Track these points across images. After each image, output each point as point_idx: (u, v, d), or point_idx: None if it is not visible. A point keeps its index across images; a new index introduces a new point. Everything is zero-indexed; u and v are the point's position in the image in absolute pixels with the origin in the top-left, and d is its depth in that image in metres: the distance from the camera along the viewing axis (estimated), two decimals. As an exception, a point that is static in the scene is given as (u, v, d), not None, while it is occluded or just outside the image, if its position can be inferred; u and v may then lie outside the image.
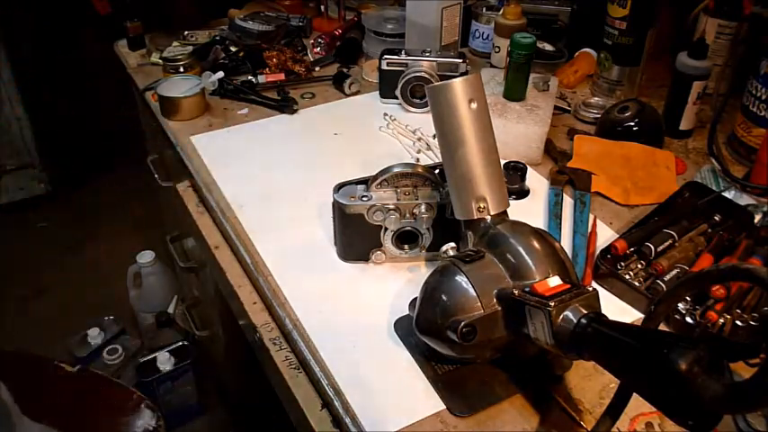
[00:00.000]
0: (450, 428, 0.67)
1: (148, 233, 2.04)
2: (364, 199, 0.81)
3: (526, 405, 0.69)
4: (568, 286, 0.62)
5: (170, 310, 1.73)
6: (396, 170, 0.82)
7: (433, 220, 0.82)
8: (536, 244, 0.67)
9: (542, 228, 0.78)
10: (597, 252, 0.86)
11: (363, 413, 0.68)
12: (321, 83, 1.30)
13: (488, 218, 0.72)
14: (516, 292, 0.63)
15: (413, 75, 1.16)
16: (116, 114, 1.86)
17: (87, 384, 1.17)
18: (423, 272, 0.86)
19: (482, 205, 0.72)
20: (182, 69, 1.24)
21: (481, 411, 0.69)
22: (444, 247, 0.73)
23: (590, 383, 0.71)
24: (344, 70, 1.32)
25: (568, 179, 1.02)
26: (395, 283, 0.84)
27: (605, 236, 0.92)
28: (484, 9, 1.39)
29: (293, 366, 0.78)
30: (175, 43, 1.39)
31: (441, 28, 1.27)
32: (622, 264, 0.84)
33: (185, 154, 1.11)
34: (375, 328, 0.78)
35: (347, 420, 0.68)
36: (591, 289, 0.61)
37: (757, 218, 0.90)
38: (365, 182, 0.83)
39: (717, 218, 0.90)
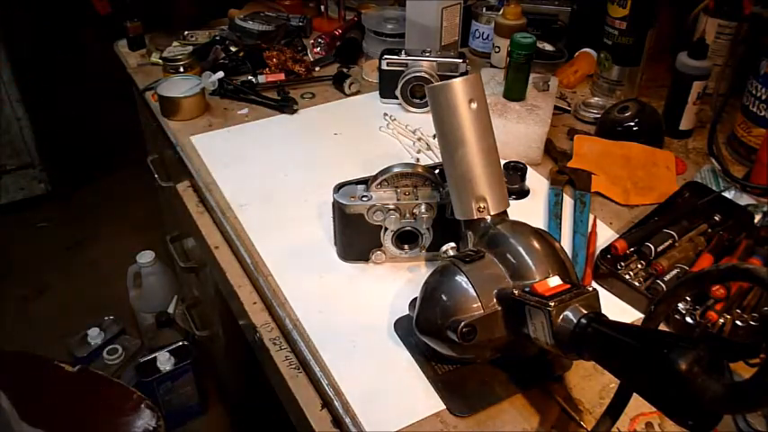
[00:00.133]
0: (450, 428, 0.67)
1: (148, 233, 2.04)
2: (364, 199, 0.81)
3: (526, 405, 0.69)
4: (568, 286, 0.62)
5: (170, 310, 1.73)
6: (396, 170, 0.82)
7: (433, 220, 0.82)
8: (536, 244, 0.67)
9: (542, 228, 0.78)
10: (597, 252, 0.86)
11: (363, 413, 0.68)
12: (321, 83, 1.30)
13: (488, 218, 0.72)
14: (516, 292, 0.63)
15: (413, 75, 1.16)
16: (116, 114, 1.86)
17: (87, 384, 1.17)
18: (423, 272, 0.86)
19: (482, 205, 0.72)
20: (182, 69, 1.24)
21: (481, 411, 0.69)
22: (444, 247, 0.73)
23: (590, 383, 0.71)
24: (344, 70, 1.32)
25: (568, 179, 1.02)
26: (395, 283, 0.84)
27: (605, 236, 0.92)
28: (484, 9, 1.39)
29: (293, 366, 0.78)
30: (175, 43, 1.39)
31: (441, 28, 1.27)
32: (622, 264, 0.84)
33: (185, 154, 1.11)
34: (375, 328, 0.78)
35: (347, 420, 0.68)
36: (591, 289, 0.61)
37: (757, 218, 0.90)
38: (365, 182, 0.83)
39: (717, 218, 0.90)
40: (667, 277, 0.81)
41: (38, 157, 2.32)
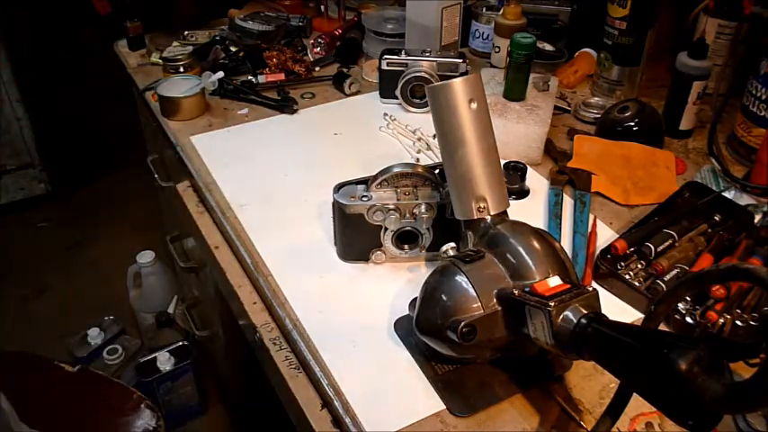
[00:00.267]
0: (450, 428, 0.67)
1: (148, 233, 2.04)
2: (364, 199, 0.81)
3: (526, 405, 0.69)
4: (568, 286, 0.62)
5: (170, 310, 1.73)
6: (396, 170, 0.82)
7: (433, 220, 0.82)
8: (536, 244, 0.67)
9: (542, 228, 0.78)
10: (597, 252, 0.86)
11: (363, 413, 0.68)
12: (321, 83, 1.30)
13: (488, 218, 0.72)
14: (516, 292, 0.63)
15: (413, 75, 1.16)
16: (116, 114, 1.86)
17: (87, 384, 1.17)
18: (423, 272, 0.86)
19: (482, 205, 0.72)
20: (182, 69, 1.24)
21: (481, 411, 0.69)
22: (444, 247, 0.73)
23: (590, 383, 0.71)
24: (344, 70, 1.32)
25: (568, 179, 1.02)
26: (395, 283, 0.84)
27: (605, 236, 0.92)
28: (484, 9, 1.39)
29: (293, 366, 0.78)
30: (175, 43, 1.39)
31: (441, 28, 1.27)
32: (622, 264, 0.84)
33: (185, 154, 1.11)
34: (375, 328, 0.78)
35: (347, 420, 0.68)
36: (591, 289, 0.61)
37: (757, 218, 0.90)
38: (365, 182, 0.83)
39: (717, 218, 0.90)
40: (667, 277, 0.81)
41: (38, 157, 2.32)
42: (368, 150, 1.10)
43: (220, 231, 0.99)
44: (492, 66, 1.32)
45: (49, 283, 2.13)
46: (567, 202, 0.98)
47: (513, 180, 0.98)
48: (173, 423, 1.66)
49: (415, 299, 0.70)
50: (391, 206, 0.81)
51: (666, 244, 0.85)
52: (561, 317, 0.58)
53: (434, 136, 1.07)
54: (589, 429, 0.66)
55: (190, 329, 1.56)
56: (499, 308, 0.64)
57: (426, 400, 0.70)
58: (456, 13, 1.28)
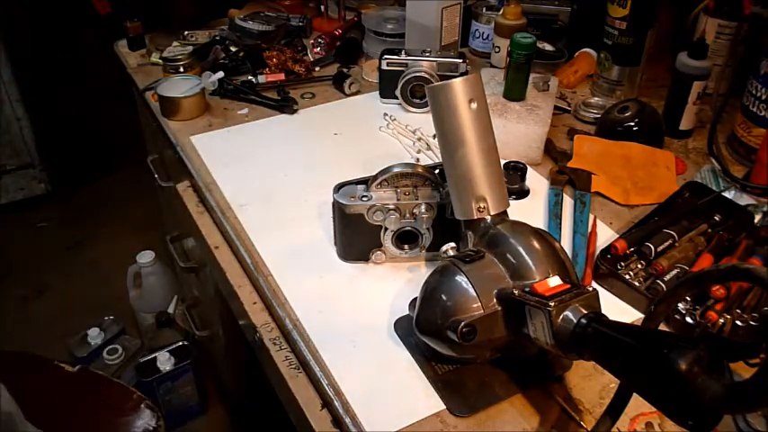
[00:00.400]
0: (450, 428, 0.67)
1: (148, 233, 2.04)
2: (364, 199, 0.81)
3: (526, 405, 0.69)
4: (568, 286, 0.62)
5: (170, 310, 1.73)
6: (396, 170, 0.82)
7: (433, 220, 0.82)
8: (536, 244, 0.67)
9: (542, 228, 0.78)
10: (597, 252, 0.86)
11: (363, 413, 0.68)
12: (321, 83, 1.30)
13: (488, 218, 0.72)
14: (516, 292, 0.63)
15: (413, 75, 1.16)
16: (116, 114, 1.86)
17: (87, 384, 1.17)
18: (423, 272, 0.86)
19: (482, 205, 0.72)
20: (182, 69, 1.24)
21: (481, 411, 0.69)
22: (444, 247, 0.73)
23: (590, 383, 0.71)
24: (344, 70, 1.32)
25: (568, 179, 1.02)
26: (395, 283, 0.84)
27: (605, 236, 0.92)
28: (484, 9, 1.39)
29: (293, 366, 0.78)
30: (175, 43, 1.39)
31: (441, 28, 1.27)
32: (622, 264, 0.84)
33: (185, 154, 1.11)
34: (375, 328, 0.78)
35: (347, 420, 0.68)
36: (591, 289, 0.61)
37: (757, 218, 0.90)
38: (365, 182, 0.83)
39: (717, 218, 0.90)
40: (667, 277, 0.81)
41: (38, 157, 2.32)
42: (368, 150, 1.10)
43: (220, 231, 0.99)
44: (492, 66, 1.32)
45: (49, 283, 2.13)
46: (567, 202, 0.98)
47: (513, 180, 0.98)
48: (173, 423, 1.65)
49: (415, 299, 0.70)
50: (391, 206, 0.81)
51: (666, 244, 0.85)
52: (561, 317, 0.59)
53: (434, 136, 1.07)
54: (589, 429, 0.66)
55: (190, 329, 1.57)
56: (499, 308, 0.64)
57: (426, 400, 0.70)
58: (456, 13, 1.28)
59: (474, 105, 0.72)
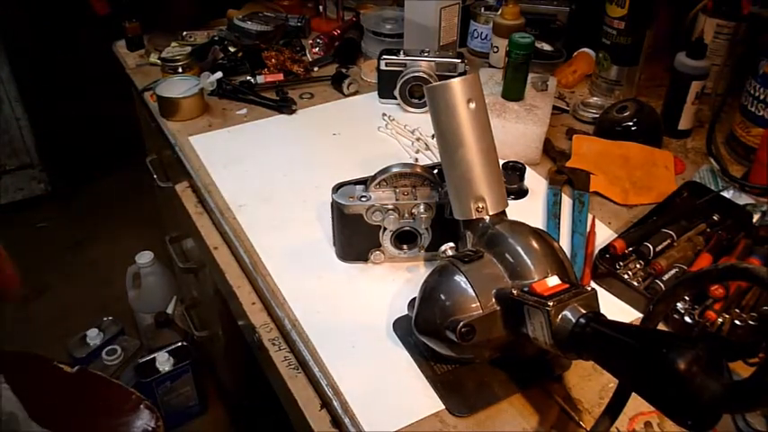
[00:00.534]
0: (449, 428, 0.67)
1: (147, 234, 2.04)
2: (363, 199, 0.81)
3: (525, 405, 0.69)
4: (567, 286, 0.62)
5: (169, 311, 1.73)
6: (394, 170, 0.82)
7: (432, 220, 0.82)
8: (535, 244, 0.67)
9: (541, 228, 0.78)
10: (596, 252, 0.86)
11: (362, 413, 0.68)
12: (320, 83, 1.30)
13: (487, 218, 0.72)
14: (515, 291, 0.63)
15: (411, 75, 1.16)
16: (116, 114, 1.85)
17: (86, 385, 1.17)
18: (421, 272, 0.86)
19: (481, 205, 0.72)
20: (180, 70, 1.24)
21: (480, 411, 0.69)
22: (443, 247, 0.73)
23: (589, 383, 0.72)
24: (343, 70, 1.32)
25: (567, 179, 1.02)
26: (394, 283, 0.84)
27: (604, 235, 0.92)
28: (482, 9, 1.39)
29: (292, 366, 0.78)
30: (174, 44, 1.39)
31: (439, 28, 1.27)
32: (621, 263, 0.84)
33: (184, 154, 1.11)
34: (374, 329, 0.78)
35: (346, 420, 0.68)
36: (589, 289, 0.61)
37: (756, 217, 0.90)
38: (364, 182, 0.83)
39: (715, 217, 0.90)
40: (666, 277, 0.81)
41: (37, 158, 2.32)
42: (366, 150, 1.10)
43: (219, 232, 0.99)
44: (490, 66, 1.32)
45: (48, 283, 2.12)
46: (566, 202, 0.98)
47: (511, 180, 0.98)
48: (172, 423, 1.65)
49: (414, 299, 0.70)
50: (390, 206, 0.81)
51: (665, 243, 0.85)
52: (560, 316, 0.59)
53: (433, 136, 1.07)
54: (588, 429, 0.67)
55: (189, 330, 1.56)
56: (498, 308, 0.64)
57: (425, 400, 0.70)
58: (454, 13, 1.28)
59: (472, 105, 0.72)
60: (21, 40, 2.20)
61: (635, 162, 1.04)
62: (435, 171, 0.83)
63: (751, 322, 0.74)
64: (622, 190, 1.00)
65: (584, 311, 0.59)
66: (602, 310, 0.60)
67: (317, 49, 1.39)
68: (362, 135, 1.15)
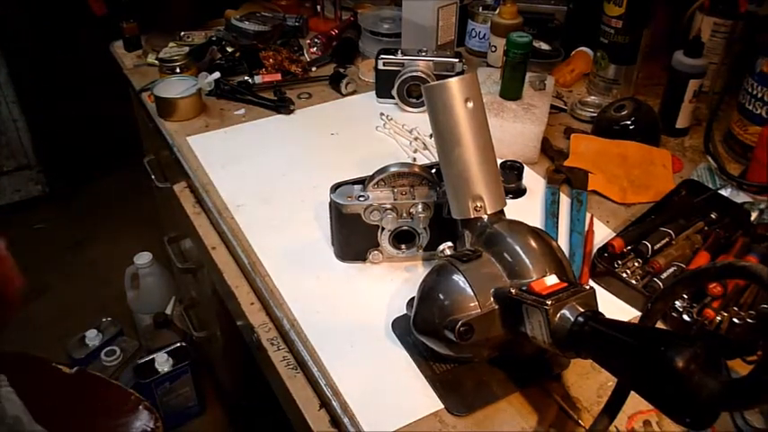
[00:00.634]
0: (448, 428, 0.67)
1: (146, 234, 2.03)
2: (361, 199, 0.81)
3: (524, 404, 0.69)
4: (565, 285, 0.62)
5: (168, 312, 1.73)
6: (392, 170, 0.82)
7: (430, 220, 0.82)
8: (533, 243, 0.67)
9: (539, 227, 0.78)
10: (594, 250, 0.86)
11: (361, 413, 0.68)
12: (318, 83, 1.30)
13: (485, 217, 0.72)
14: (513, 290, 0.63)
15: (409, 74, 1.16)
16: (114, 115, 1.85)
17: (85, 386, 1.17)
18: (420, 271, 0.86)
19: (479, 204, 0.72)
20: (178, 70, 1.24)
21: (479, 410, 0.69)
22: (441, 247, 0.72)
23: (588, 382, 0.72)
24: (341, 70, 1.32)
25: (565, 178, 1.02)
26: (392, 282, 0.84)
27: (602, 234, 0.92)
28: (480, 8, 1.39)
29: (291, 366, 0.78)
30: (171, 44, 1.39)
31: (437, 27, 1.27)
32: (619, 262, 0.84)
33: (182, 155, 1.10)
34: (373, 328, 0.78)
35: (345, 420, 0.68)
36: (588, 287, 0.61)
37: (753, 215, 0.90)
38: (362, 182, 0.83)
39: (713, 216, 0.90)
40: (664, 275, 0.81)
41: (35, 159, 2.32)
42: (364, 150, 1.10)
43: (217, 232, 0.99)
44: (488, 65, 1.32)
45: (46, 284, 2.12)
46: (564, 201, 0.99)
47: (509, 179, 0.98)
48: (171, 424, 1.65)
49: (413, 298, 0.70)
50: (388, 206, 0.81)
51: (663, 242, 0.85)
52: (558, 315, 0.59)
53: (431, 135, 1.07)
54: (587, 428, 0.67)
55: (188, 330, 1.56)
56: (496, 307, 0.64)
57: (424, 400, 0.70)
58: (452, 12, 1.28)
59: (470, 104, 0.72)
60: (20, 41, 2.20)
61: (633, 161, 1.04)
62: (433, 170, 0.83)
63: (749, 320, 0.74)
64: (620, 189, 1.00)
65: (582, 310, 0.59)
66: (601, 309, 0.60)
67: (315, 48, 1.39)
68: (360, 135, 1.15)
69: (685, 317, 0.76)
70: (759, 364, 0.45)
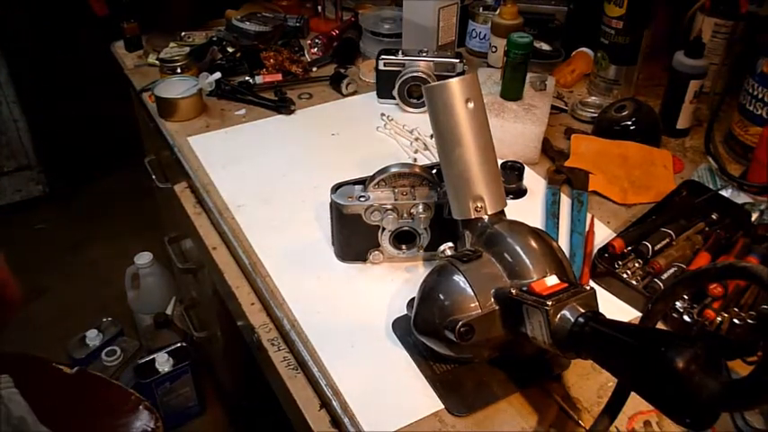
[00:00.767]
0: (448, 428, 0.67)
1: (146, 234, 2.03)
2: (362, 199, 0.81)
3: (524, 404, 0.69)
4: (566, 285, 0.62)
5: (168, 312, 1.73)
6: (393, 170, 0.82)
7: (431, 220, 0.82)
8: (533, 243, 0.67)
9: (540, 227, 0.78)
10: (595, 251, 0.86)
11: (362, 413, 0.68)
12: (318, 83, 1.30)
13: (486, 217, 0.72)
14: (514, 291, 0.63)
15: (410, 75, 1.16)
16: (115, 115, 1.85)
17: (85, 386, 1.17)
18: (420, 272, 0.86)
19: (479, 205, 0.72)
20: (179, 70, 1.24)
21: (479, 411, 0.69)
22: (442, 247, 0.73)
23: (588, 382, 0.72)
24: (342, 71, 1.32)
25: (566, 178, 1.02)
26: (393, 283, 0.84)
27: (603, 235, 0.92)
28: (481, 9, 1.39)
29: (291, 367, 0.78)
30: (172, 44, 1.39)
31: (438, 28, 1.27)
32: (620, 262, 0.84)
33: (182, 155, 1.10)
34: (373, 328, 0.78)
35: (345, 420, 0.68)
36: (588, 288, 0.61)
37: (754, 216, 0.90)
38: (363, 182, 0.83)
39: (714, 216, 0.90)
40: (665, 276, 0.81)
41: (35, 159, 2.32)
42: (365, 151, 1.10)
43: (218, 232, 0.99)
44: (489, 65, 1.32)
45: (47, 285, 2.12)
46: (565, 202, 0.99)
47: (510, 179, 0.98)
48: (171, 424, 1.65)
49: (413, 299, 0.70)
50: (389, 206, 0.81)
51: (664, 242, 0.85)
52: (559, 316, 0.59)
53: (432, 136, 1.07)
54: (587, 428, 0.67)
55: (188, 330, 1.56)
56: (497, 307, 0.64)
57: (425, 400, 0.70)
58: (453, 12, 1.28)
59: (471, 105, 0.72)
60: (20, 41, 2.20)
61: (633, 161, 1.04)
62: (434, 171, 0.83)
63: (749, 321, 0.74)
64: (621, 189, 1.00)
65: (582, 311, 0.59)
66: (601, 310, 0.60)
67: (316, 49, 1.39)
68: (361, 135, 1.15)
69: (686, 317, 0.76)
70: (759, 364, 0.45)
